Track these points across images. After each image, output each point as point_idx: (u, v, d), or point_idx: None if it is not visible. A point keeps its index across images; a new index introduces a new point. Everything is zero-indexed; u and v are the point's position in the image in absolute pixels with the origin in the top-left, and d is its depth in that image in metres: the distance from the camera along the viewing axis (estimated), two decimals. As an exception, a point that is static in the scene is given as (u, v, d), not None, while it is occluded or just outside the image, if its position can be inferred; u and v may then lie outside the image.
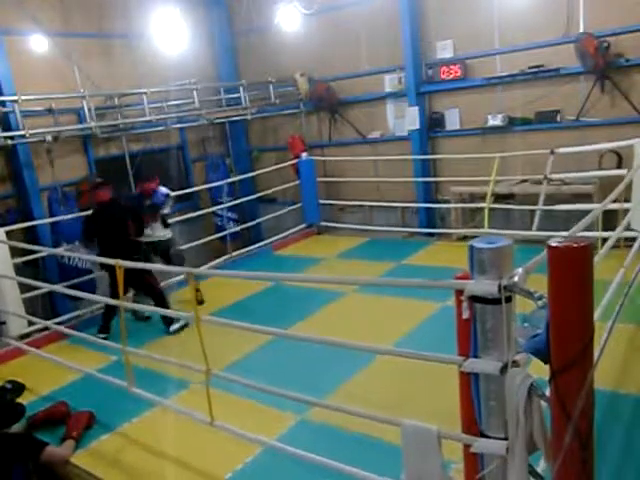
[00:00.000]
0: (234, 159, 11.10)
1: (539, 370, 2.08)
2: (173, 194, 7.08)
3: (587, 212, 3.41)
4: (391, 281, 5.80)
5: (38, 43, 8.16)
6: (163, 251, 6.74)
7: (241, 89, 9.66)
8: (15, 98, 7.14)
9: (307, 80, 9.96)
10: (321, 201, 9.64)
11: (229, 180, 9.50)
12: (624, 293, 4.21)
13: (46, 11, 8.33)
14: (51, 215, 7.80)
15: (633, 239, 5.13)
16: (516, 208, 7.70)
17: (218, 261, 8.26)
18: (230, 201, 9.31)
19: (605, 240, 3.96)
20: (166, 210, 6.85)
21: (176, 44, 9.08)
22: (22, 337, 5.94)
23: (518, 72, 7.87)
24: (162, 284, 6.77)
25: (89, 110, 7.90)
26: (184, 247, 7.64)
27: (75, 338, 5.72)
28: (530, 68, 7.76)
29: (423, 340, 4.90)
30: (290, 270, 7.42)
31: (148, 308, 5.43)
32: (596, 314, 2.52)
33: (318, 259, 8.04)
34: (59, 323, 6.01)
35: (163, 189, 6.88)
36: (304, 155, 9.39)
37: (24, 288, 6.08)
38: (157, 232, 6.66)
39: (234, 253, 8.57)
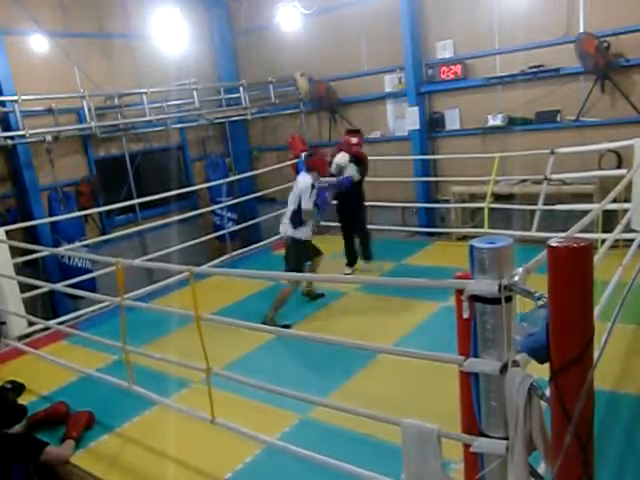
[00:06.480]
0: (234, 159, 11.10)
1: (539, 370, 2.08)
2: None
3: (587, 212, 3.41)
4: (391, 281, 5.78)
5: (38, 43, 8.16)
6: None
7: (241, 89, 9.66)
8: (15, 98, 7.15)
9: (307, 80, 9.96)
10: (321, 201, 9.63)
11: (228, 179, 9.51)
12: (624, 293, 4.21)
13: (46, 11, 8.33)
14: (51, 215, 7.81)
15: (633, 239, 5.13)
16: (516, 208, 7.70)
17: (217, 261, 8.25)
18: (229, 200, 9.31)
19: (605, 240, 3.95)
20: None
21: (176, 44, 9.10)
22: (22, 337, 5.93)
23: (518, 72, 7.87)
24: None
25: (89, 110, 7.91)
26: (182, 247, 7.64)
27: (75, 338, 5.73)
28: (530, 68, 7.76)
29: (423, 340, 4.91)
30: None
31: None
32: (596, 314, 2.52)
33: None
34: (59, 323, 6.00)
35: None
36: (304, 155, 9.38)
37: (24, 288, 6.08)
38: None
39: (233, 252, 8.56)
